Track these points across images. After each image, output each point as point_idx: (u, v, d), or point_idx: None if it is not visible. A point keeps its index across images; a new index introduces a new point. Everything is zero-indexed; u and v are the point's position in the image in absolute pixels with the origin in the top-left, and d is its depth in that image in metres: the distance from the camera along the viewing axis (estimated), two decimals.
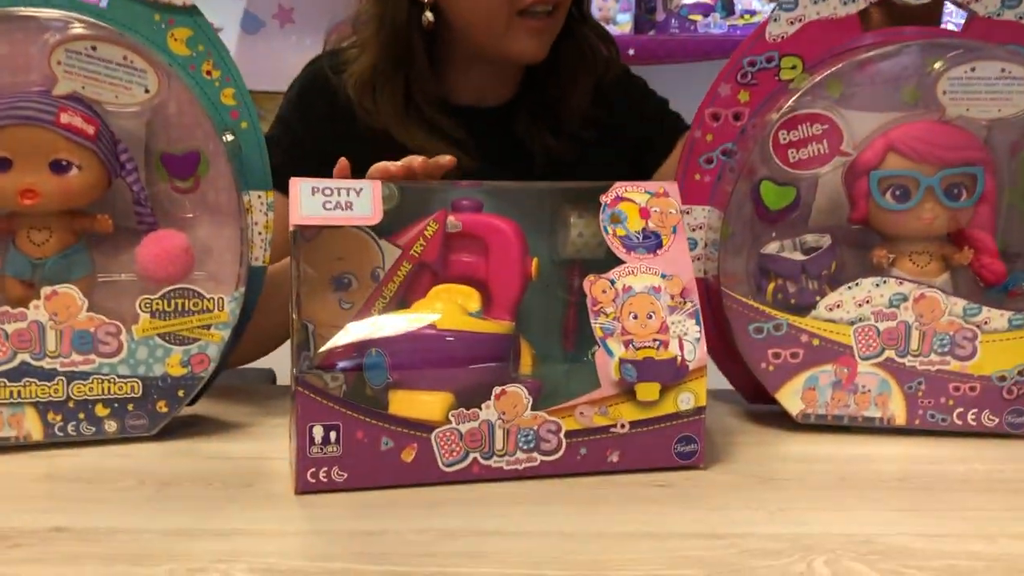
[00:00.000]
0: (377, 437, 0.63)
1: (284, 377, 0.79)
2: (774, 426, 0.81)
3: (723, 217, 0.80)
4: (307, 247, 0.69)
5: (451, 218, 0.73)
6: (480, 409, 0.65)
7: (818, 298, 0.79)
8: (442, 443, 0.65)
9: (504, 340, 0.70)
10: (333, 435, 0.63)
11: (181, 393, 0.76)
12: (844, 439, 0.78)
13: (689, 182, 0.84)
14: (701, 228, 0.84)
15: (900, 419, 0.79)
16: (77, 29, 0.72)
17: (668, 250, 0.71)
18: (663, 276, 0.70)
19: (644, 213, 0.72)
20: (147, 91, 0.74)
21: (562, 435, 0.66)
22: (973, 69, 0.76)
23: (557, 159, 1.06)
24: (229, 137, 0.78)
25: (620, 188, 0.73)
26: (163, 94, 0.74)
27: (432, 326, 0.67)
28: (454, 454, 0.65)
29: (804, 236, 0.81)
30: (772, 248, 0.81)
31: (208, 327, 0.75)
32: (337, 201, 0.67)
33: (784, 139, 0.78)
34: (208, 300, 0.75)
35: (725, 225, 0.81)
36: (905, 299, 0.78)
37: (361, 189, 0.68)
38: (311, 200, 0.67)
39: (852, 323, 0.78)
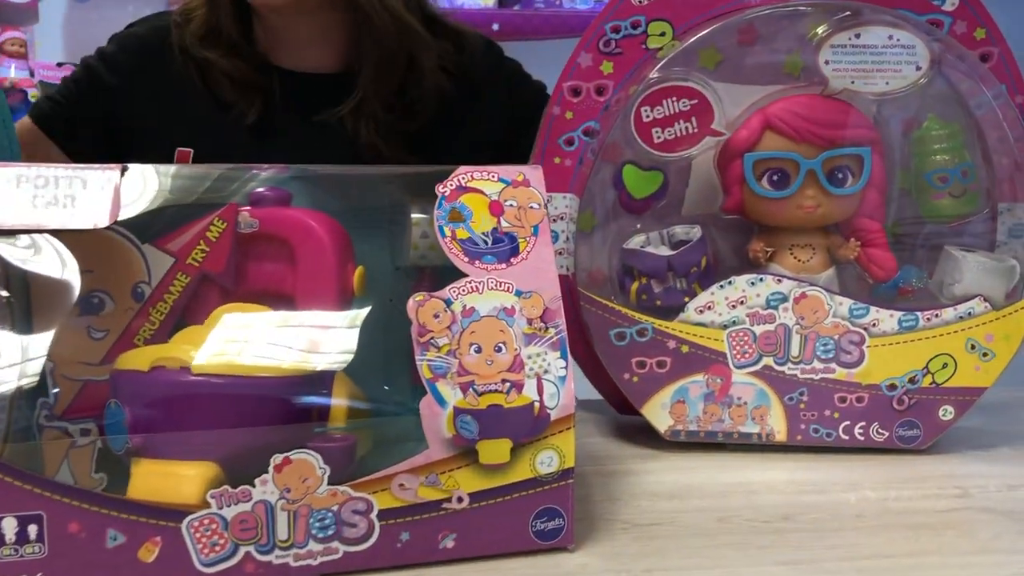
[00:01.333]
0: (100, 530, 0.47)
1: None
2: (646, 445, 0.74)
3: (584, 207, 0.73)
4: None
5: (244, 214, 0.58)
6: (253, 486, 0.49)
7: (687, 299, 0.71)
8: (198, 534, 0.49)
9: (300, 384, 0.54)
10: (33, 529, 0.46)
11: None
12: (720, 461, 0.71)
13: (548, 166, 0.77)
14: (562, 219, 0.76)
15: (781, 435, 0.73)
16: None
17: (527, 257, 0.56)
18: (519, 294, 0.55)
19: (495, 208, 0.57)
20: None
21: (374, 516, 0.51)
22: (858, 36, 0.69)
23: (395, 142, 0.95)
24: None
25: (464, 174, 0.58)
26: None
27: (187, 369, 0.51)
28: (216, 549, 0.49)
29: (673, 228, 0.74)
30: (636, 242, 0.74)
31: None
32: (54, 195, 0.50)
33: (647, 116, 0.71)
34: None
35: (587, 216, 0.72)
36: (784, 299, 0.71)
37: (89, 179, 0.51)
38: (16, 193, 0.50)
39: (725, 327, 0.71)
